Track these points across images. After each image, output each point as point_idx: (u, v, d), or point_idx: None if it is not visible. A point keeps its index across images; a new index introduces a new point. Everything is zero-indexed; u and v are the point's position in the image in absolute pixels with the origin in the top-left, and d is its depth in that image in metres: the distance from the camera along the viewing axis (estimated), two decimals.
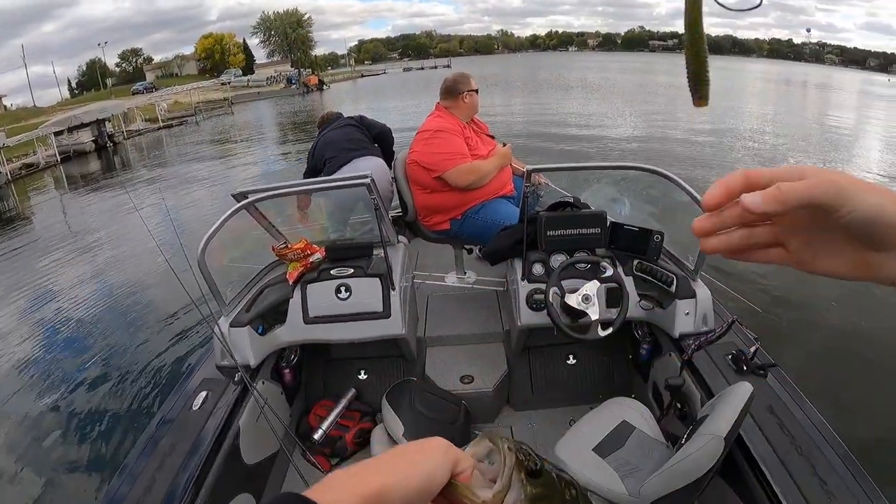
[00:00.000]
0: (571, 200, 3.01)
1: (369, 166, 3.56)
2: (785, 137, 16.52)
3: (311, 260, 2.81)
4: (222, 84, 48.14)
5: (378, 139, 3.98)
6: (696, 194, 2.48)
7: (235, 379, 2.43)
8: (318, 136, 4.07)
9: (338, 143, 3.77)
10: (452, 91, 3.46)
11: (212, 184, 12.79)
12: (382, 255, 2.73)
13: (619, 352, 3.22)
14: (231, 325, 2.55)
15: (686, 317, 2.63)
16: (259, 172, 14.20)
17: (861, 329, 5.26)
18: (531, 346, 3.21)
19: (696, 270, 2.71)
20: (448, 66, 70.63)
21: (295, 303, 2.73)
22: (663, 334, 2.77)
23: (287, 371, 2.91)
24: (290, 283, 2.76)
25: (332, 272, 2.76)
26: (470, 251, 3.88)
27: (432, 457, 0.57)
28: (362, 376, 3.26)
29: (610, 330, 2.51)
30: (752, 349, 2.36)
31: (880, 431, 3.76)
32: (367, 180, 2.50)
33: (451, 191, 3.32)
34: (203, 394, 2.37)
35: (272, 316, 2.74)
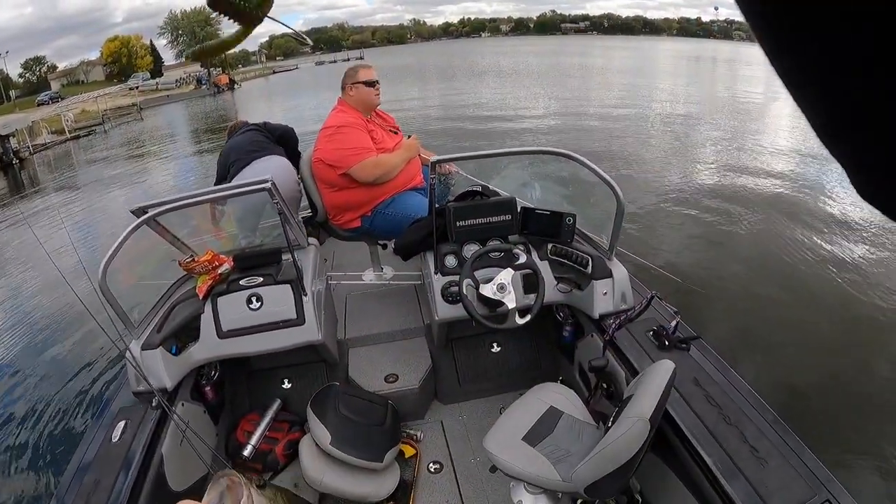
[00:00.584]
0: (480, 189, 2.99)
1: (270, 167, 3.45)
2: (697, 115, 17.14)
3: (219, 271, 2.68)
4: (130, 89, 46.09)
5: (281, 141, 3.86)
6: (604, 174, 2.50)
7: (153, 404, 2.31)
8: (226, 144, 3.93)
9: (241, 147, 3.64)
10: (343, 86, 3.39)
11: (123, 197, 12.13)
12: (291, 260, 2.64)
13: (543, 336, 3.25)
14: (143, 349, 2.42)
15: (604, 297, 2.66)
16: (172, 180, 13.62)
17: (775, 292, 5.51)
18: (454, 337, 3.20)
19: (611, 249, 2.74)
20: (361, 59, 70.44)
21: (207, 318, 2.61)
22: (584, 316, 2.79)
23: (208, 389, 2.78)
24: (201, 297, 2.63)
25: (241, 282, 2.65)
26: (385, 247, 3.80)
27: None
28: (286, 385, 3.17)
29: (528, 317, 2.51)
30: (673, 323, 2.41)
31: (804, 390, 3.95)
32: (268, 184, 2.39)
33: (359, 187, 3.25)
34: (122, 424, 2.24)
35: (185, 334, 2.61)
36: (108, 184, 13.81)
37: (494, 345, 3.28)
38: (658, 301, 2.59)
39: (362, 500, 2.50)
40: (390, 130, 3.53)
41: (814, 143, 12.88)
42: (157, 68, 72.92)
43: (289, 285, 2.64)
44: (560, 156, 2.70)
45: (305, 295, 2.65)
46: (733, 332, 4.62)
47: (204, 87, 46.33)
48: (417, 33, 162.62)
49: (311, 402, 2.72)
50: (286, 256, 2.72)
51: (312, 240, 3.13)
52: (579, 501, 2.25)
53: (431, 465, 2.80)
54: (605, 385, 2.56)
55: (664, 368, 1.90)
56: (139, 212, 2.42)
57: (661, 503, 2.19)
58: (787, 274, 5.88)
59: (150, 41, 78.18)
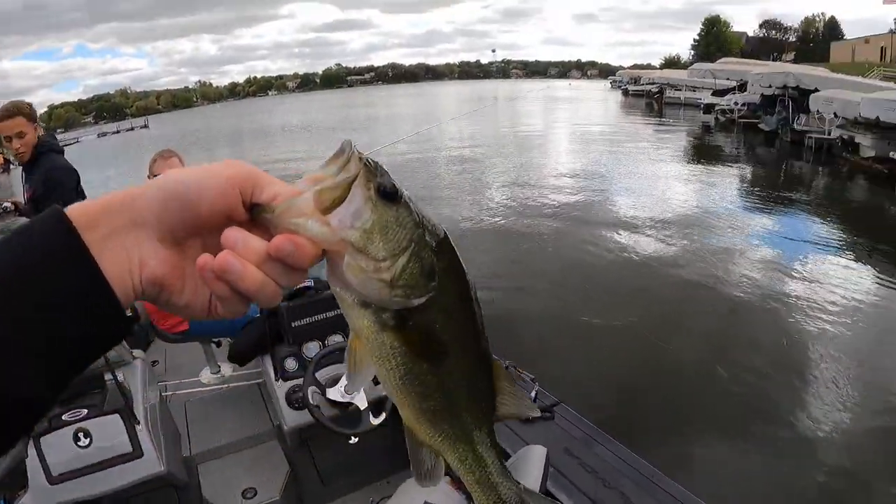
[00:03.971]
0: (311, 283, 2.87)
1: None
2: (486, 147, 18.22)
3: None
4: None
5: None
6: None
7: None
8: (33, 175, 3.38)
9: None
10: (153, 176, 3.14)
11: None
12: (115, 383, 2.32)
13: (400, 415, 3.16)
14: None
15: None
16: None
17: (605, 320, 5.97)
18: (307, 437, 3.03)
19: None
20: (146, 126, 66.90)
21: (33, 463, 2.20)
22: None
23: None
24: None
25: (63, 417, 2.27)
26: (219, 344, 3.55)
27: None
28: None
29: (383, 416, 2.41)
30: (533, 393, 2.44)
31: (662, 421, 4.30)
32: None
33: None
34: None
35: (11, 481, 2.23)
36: None
37: (352, 436, 3.14)
38: (514, 371, 2.61)
39: None
40: None
41: (589, 164, 14.37)
42: None
43: (117, 414, 2.33)
44: None
45: (138, 423, 2.36)
46: (585, 378, 4.86)
47: None
48: (204, 95, 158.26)
49: None
50: (109, 377, 2.38)
51: (138, 352, 2.79)
52: None
53: None
54: None
55: (537, 456, 1.87)
56: None
57: None
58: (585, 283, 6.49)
59: None
